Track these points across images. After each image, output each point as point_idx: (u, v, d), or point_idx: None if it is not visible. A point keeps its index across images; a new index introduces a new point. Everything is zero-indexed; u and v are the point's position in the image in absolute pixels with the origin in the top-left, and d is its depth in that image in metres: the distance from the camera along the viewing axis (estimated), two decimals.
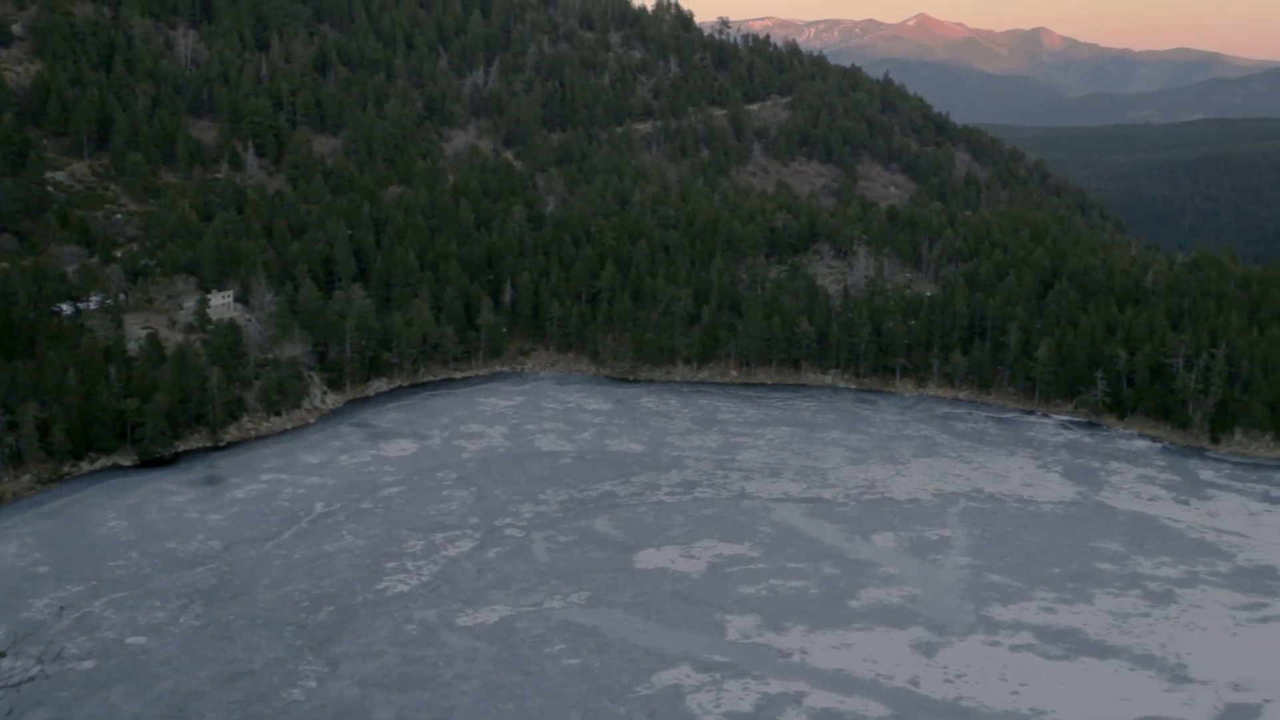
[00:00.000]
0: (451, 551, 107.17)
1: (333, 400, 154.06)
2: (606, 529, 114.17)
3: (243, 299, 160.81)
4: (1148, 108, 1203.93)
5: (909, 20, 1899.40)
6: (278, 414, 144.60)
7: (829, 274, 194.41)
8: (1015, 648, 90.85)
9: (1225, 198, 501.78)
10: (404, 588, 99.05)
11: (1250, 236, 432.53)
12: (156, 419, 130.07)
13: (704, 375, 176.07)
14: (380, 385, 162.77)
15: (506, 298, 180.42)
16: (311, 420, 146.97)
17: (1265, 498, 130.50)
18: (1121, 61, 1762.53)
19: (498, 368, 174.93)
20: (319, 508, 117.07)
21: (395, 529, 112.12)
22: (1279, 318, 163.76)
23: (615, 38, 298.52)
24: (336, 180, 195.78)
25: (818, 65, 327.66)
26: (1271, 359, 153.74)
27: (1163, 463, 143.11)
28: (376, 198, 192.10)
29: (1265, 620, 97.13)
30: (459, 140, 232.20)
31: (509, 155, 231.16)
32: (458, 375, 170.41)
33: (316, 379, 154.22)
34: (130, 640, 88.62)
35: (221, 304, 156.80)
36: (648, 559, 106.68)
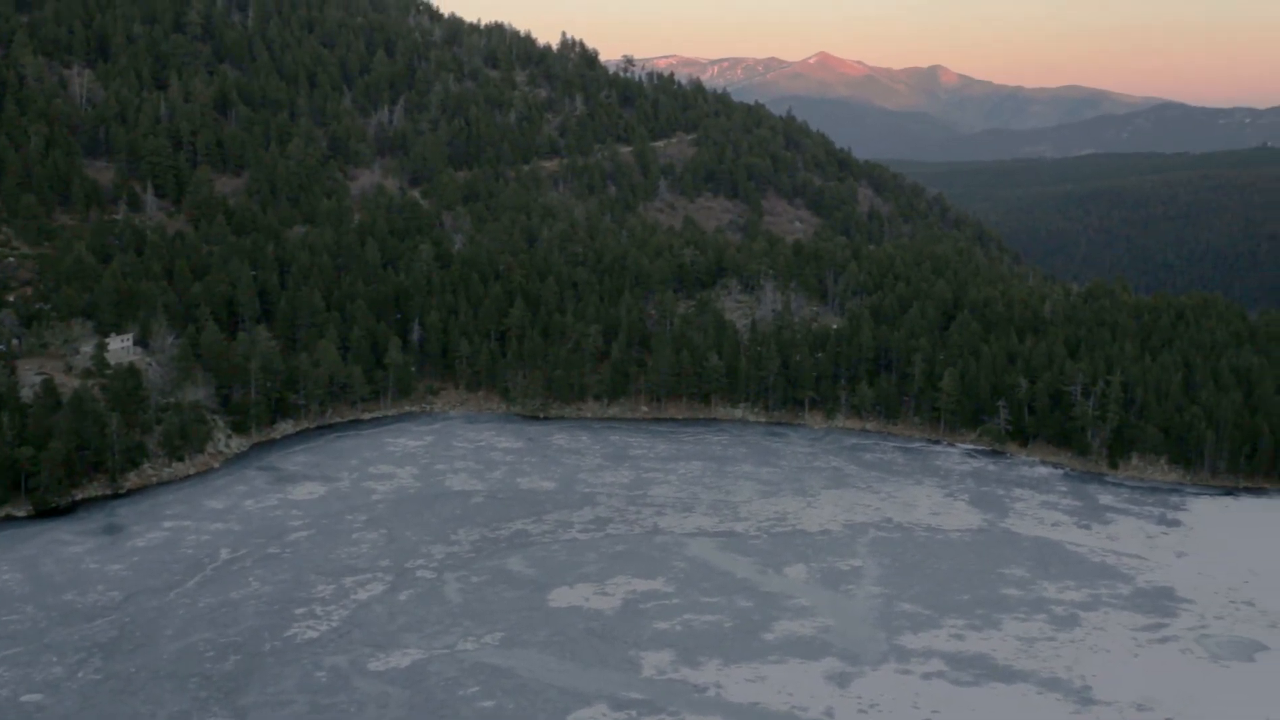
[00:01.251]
0: (362, 595, 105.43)
1: (238, 444, 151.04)
2: (519, 568, 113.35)
3: (142, 342, 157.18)
4: (1041, 143, 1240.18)
5: (810, 58, 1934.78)
6: (180, 459, 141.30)
7: (737, 308, 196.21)
8: (927, 675, 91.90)
9: (1117, 230, 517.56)
10: (313, 634, 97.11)
11: (1141, 267, 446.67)
12: (53, 467, 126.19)
13: (615, 411, 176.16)
14: (287, 427, 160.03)
15: (415, 337, 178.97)
16: (216, 465, 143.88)
17: (1162, 520, 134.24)
18: (1015, 98, 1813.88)
19: (407, 407, 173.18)
20: (224, 554, 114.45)
21: (303, 574, 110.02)
22: (1170, 345, 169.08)
23: (521, 76, 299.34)
24: (239, 220, 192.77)
25: (722, 102, 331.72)
26: (1164, 385, 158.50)
27: (1064, 488, 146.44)
28: (281, 237, 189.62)
29: (1165, 640, 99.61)
30: (365, 179, 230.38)
31: (415, 194, 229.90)
32: (366, 416, 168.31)
33: (220, 422, 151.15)
34: (25, 698, 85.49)
35: (120, 348, 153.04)
36: (561, 597, 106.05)
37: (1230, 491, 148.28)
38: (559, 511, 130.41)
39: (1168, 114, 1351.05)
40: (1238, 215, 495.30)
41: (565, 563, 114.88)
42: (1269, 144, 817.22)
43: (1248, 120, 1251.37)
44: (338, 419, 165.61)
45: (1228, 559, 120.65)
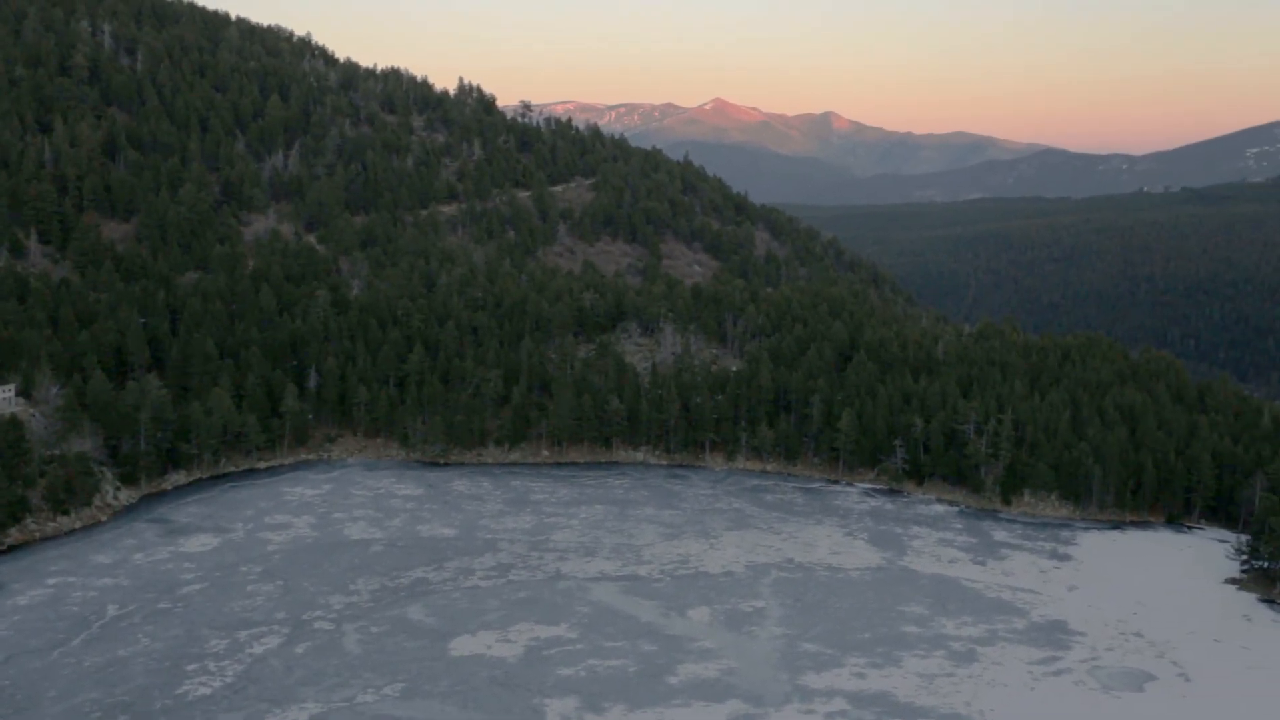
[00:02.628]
0: (257, 649, 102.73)
1: (127, 496, 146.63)
2: (420, 617, 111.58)
3: (25, 393, 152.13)
4: (931, 187, 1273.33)
5: (706, 104, 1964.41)
6: (65, 513, 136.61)
7: (637, 351, 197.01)
8: (830, 715, 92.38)
9: (1004, 271, 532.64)
10: (206, 690, 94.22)
11: (1028, 307, 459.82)
12: None
13: (516, 456, 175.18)
14: (179, 478, 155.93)
15: (311, 384, 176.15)
16: (103, 518, 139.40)
17: (1054, 555, 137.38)
18: (905, 144, 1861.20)
19: (304, 456, 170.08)
20: (112, 610, 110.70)
21: (196, 628, 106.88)
22: (1058, 384, 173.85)
23: (418, 121, 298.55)
24: (128, 267, 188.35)
25: (619, 147, 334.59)
26: (1052, 423, 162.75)
27: (960, 525, 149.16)
28: (172, 284, 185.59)
29: (1059, 673, 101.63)
30: (259, 224, 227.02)
31: (311, 239, 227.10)
32: (261, 465, 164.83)
33: (108, 474, 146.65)
34: None
35: (1, 399, 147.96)
36: (463, 645, 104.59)
37: (1117, 525, 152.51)
38: (460, 559, 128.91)
39: (1050, 160, 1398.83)
40: (1117, 257, 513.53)
41: (467, 610, 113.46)
42: (1145, 189, 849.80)
43: (1125, 166, 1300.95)
44: (232, 468, 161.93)
45: (1116, 592, 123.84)
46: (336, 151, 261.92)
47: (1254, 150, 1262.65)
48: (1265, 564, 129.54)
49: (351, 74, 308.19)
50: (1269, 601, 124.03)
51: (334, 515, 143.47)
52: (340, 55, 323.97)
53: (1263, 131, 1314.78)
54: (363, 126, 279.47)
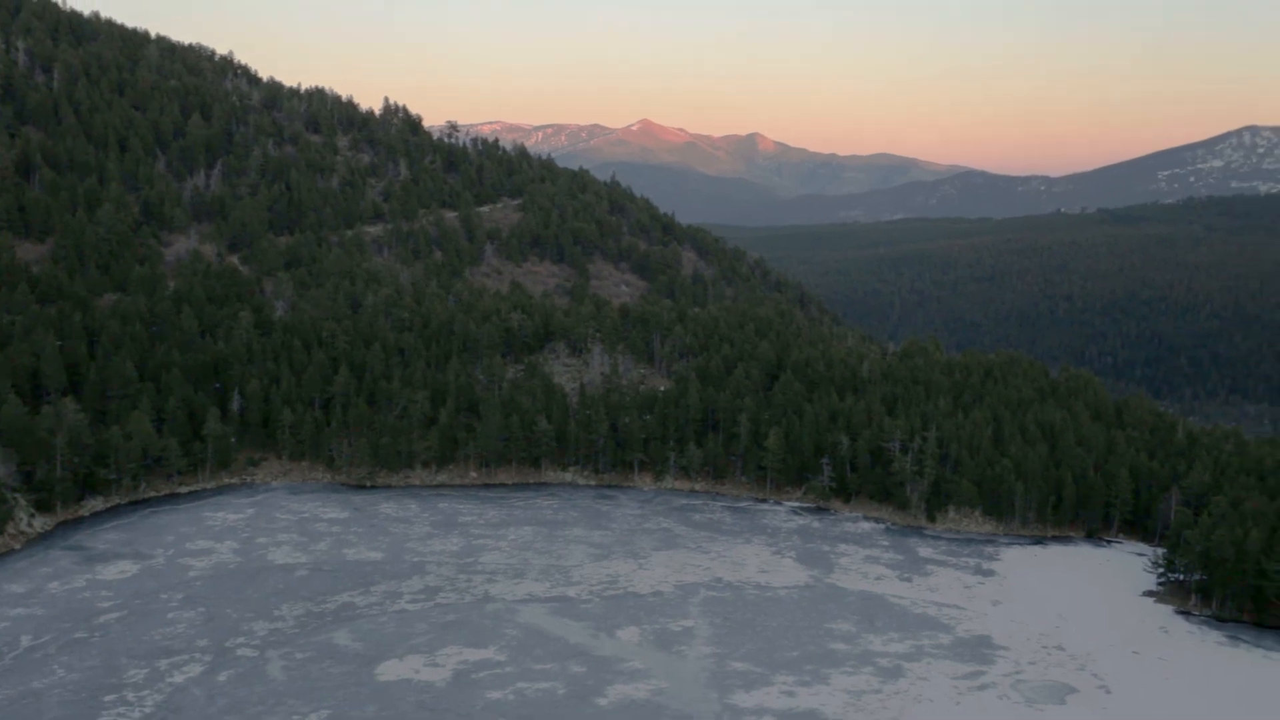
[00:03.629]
0: (178, 678, 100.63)
1: (41, 523, 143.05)
2: (346, 642, 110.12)
3: None
4: (855, 208, 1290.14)
5: (632, 125, 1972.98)
6: None
7: (565, 372, 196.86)
8: None
9: (928, 291, 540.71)
10: None
11: (951, 326, 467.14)
12: None
13: (443, 478, 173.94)
14: (96, 504, 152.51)
15: (235, 406, 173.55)
16: (17, 546, 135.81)
17: (978, 570, 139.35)
18: (830, 165, 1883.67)
19: (226, 480, 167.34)
20: (25, 641, 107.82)
21: (114, 658, 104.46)
22: (980, 401, 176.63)
23: (343, 141, 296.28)
24: (44, 289, 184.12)
25: (546, 168, 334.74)
26: (976, 440, 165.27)
27: (886, 543, 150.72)
28: (89, 306, 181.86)
29: (983, 687, 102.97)
30: (180, 245, 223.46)
31: (234, 260, 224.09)
32: (183, 490, 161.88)
33: (22, 501, 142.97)
34: None
35: None
36: (390, 670, 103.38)
37: (1039, 540, 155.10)
38: (387, 582, 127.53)
39: (971, 181, 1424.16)
40: (1037, 277, 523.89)
41: (394, 634, 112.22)
42: (1063, 210, 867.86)
43: (1043, 188, 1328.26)
44: (152, 494, 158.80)
45: (1039, 606, 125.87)
46: (260, 171, 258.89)
47: (1165, 173, 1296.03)
48: (1180, 576, 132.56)
49: (275, 93, 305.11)
50: (1184, 613, 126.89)
51: (258, 540, 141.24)
52: (263, 74, 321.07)
53: (1173, 154, 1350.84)
54: (287, 146, 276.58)
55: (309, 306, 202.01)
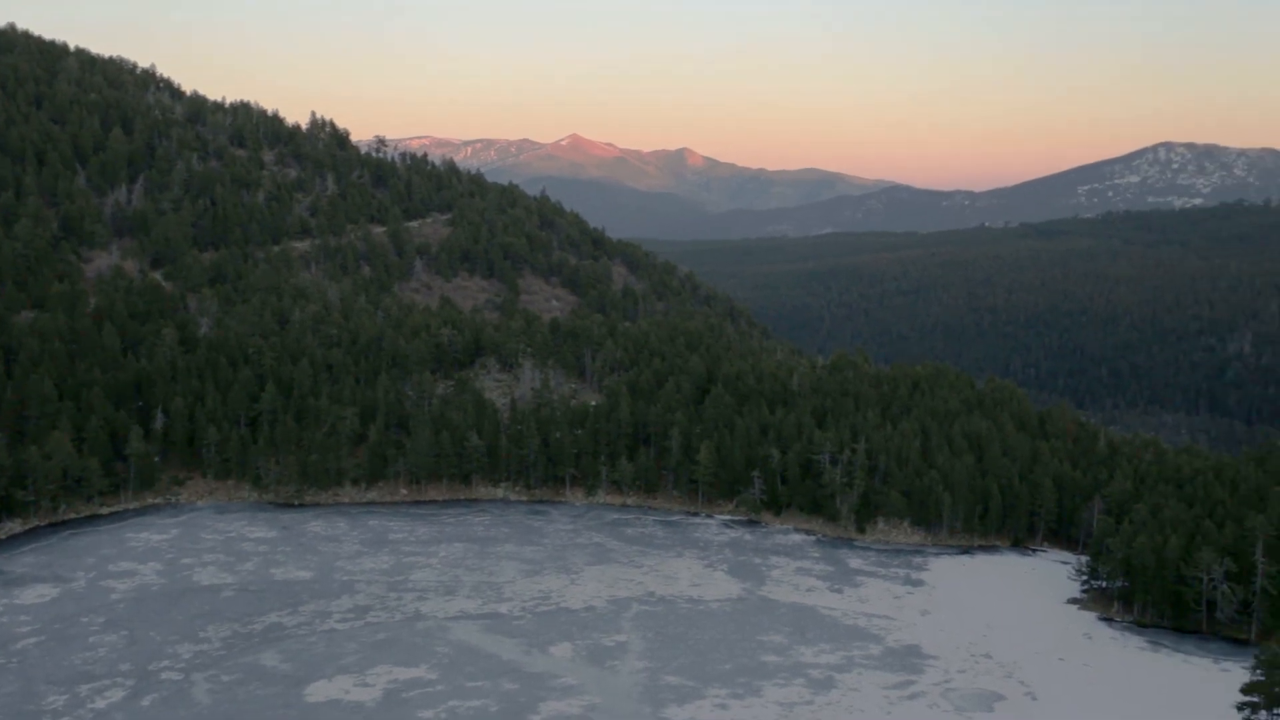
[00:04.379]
0: (100, 704, 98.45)
1: None
2: (274, 663, 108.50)
3: None
4: (784, 222, 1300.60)
5: (562, 140, 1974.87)
6: None
7: (496, 387, 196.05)
8: None
9: (856, 304, 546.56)
10: None
11: (879, 339, 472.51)
12: None
13: (373, 495, 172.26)
14: (14, 527, 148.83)
15: (158, 425, 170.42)
16: None
17: (907, 581, 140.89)
18: (758, 180, 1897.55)
19: (150, 500, 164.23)
20: None
21: (33, 684, 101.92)
22: (909, 413, 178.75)
23: (269, 155, 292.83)
24: None
25: (476, 183, 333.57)
26: (904, 451, 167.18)
27: (817, 554, 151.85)
28: (6, 324, 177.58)
29: (914, 697, 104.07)
30: (101, 261, 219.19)
31: (157, 276, 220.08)
32: (104, 511, 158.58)
33: None
34: None
35: None
36: (319, 691, 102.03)
37: (966, 550, 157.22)
38: (316, 601, 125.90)
39: (897, 196, 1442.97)
40: (962, 290, 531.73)
41: (323, 655, 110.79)
42: (986, 224, 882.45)
43: (967, 203, 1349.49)
44: (73, 515, 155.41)
45: (967, 615, 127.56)
46: (183, 186, 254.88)
47: (1085, 188, 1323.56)
48: (1103, 584, 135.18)
49: (198, 107, 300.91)
50: (1107, 620, 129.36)
51: (182, 561, 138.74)
52: (186, 88, 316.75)
53: (1092, 170, 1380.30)
54: (211, 161, 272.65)
55: (234, 323, 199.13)
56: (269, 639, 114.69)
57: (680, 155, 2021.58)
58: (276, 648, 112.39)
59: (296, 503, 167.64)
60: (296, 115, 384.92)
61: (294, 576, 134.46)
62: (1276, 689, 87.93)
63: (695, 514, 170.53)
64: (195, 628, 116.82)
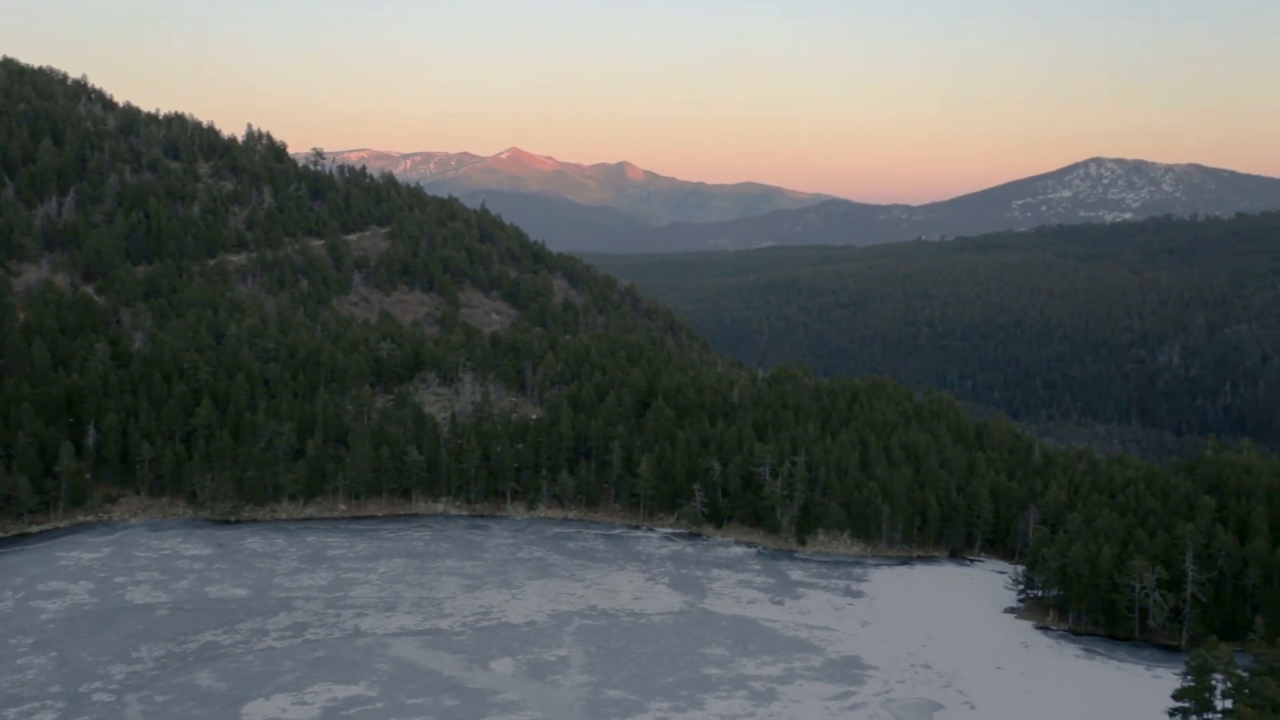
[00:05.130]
0: None
1: None
2: (210, 682, 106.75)
3: None
4: (724, 236, 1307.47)
5: (502, 153, 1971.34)
6: None
7: (436, 401, 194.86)
8: None
9: (795, 317, 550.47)
10: None
11: (818, 352, 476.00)
12: None
13: (311, 511, 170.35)
14: None
15: (90, 441, 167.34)
16: None
17: (847, 592, 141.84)
18: (698, 194, 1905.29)
19: (81, 518, 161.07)
20: None
21: None
22: (848, 425, 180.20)
23: (204, 168, 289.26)
24: None
25: (415, 196, 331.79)
26: (844, 463, 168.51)
27: (758, 566, 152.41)
28: None
29: (854, 707, 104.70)
30: (30, 275, 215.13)
31: (89, 290, 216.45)
32: (34, 529, 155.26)
33: None
34: None
35: None
36: (256, 710, 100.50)
37: (905, 561, 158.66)
38: (253, 620, 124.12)
39: (835, 210, 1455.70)
40: (899, 303, 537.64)
41: (260, 673, 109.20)
42: (923, 238, 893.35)
43: (904, 217, 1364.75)
44: (1, 534, 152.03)
45: (906, 625, 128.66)
46: (116, 199, 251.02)
47: (1019, 202, 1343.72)
48: (1039, 593, 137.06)
49: (132, 119, 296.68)
50: (1044, 628, 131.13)
51: (115, 580, 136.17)
52: (119, 99, 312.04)
53: (1026, 185, 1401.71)
54: (145, 173, 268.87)
55: (169, 337, 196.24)
56: (204, 658, 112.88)
57: (620, 169, 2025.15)
58: (212, 667, 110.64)
59: (233, 519, 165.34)
60: (233, 128, 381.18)
61: (230, 594, 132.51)
62: (1206, 694, 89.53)
63: (637, 527, 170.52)
64: (128, 648, 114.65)
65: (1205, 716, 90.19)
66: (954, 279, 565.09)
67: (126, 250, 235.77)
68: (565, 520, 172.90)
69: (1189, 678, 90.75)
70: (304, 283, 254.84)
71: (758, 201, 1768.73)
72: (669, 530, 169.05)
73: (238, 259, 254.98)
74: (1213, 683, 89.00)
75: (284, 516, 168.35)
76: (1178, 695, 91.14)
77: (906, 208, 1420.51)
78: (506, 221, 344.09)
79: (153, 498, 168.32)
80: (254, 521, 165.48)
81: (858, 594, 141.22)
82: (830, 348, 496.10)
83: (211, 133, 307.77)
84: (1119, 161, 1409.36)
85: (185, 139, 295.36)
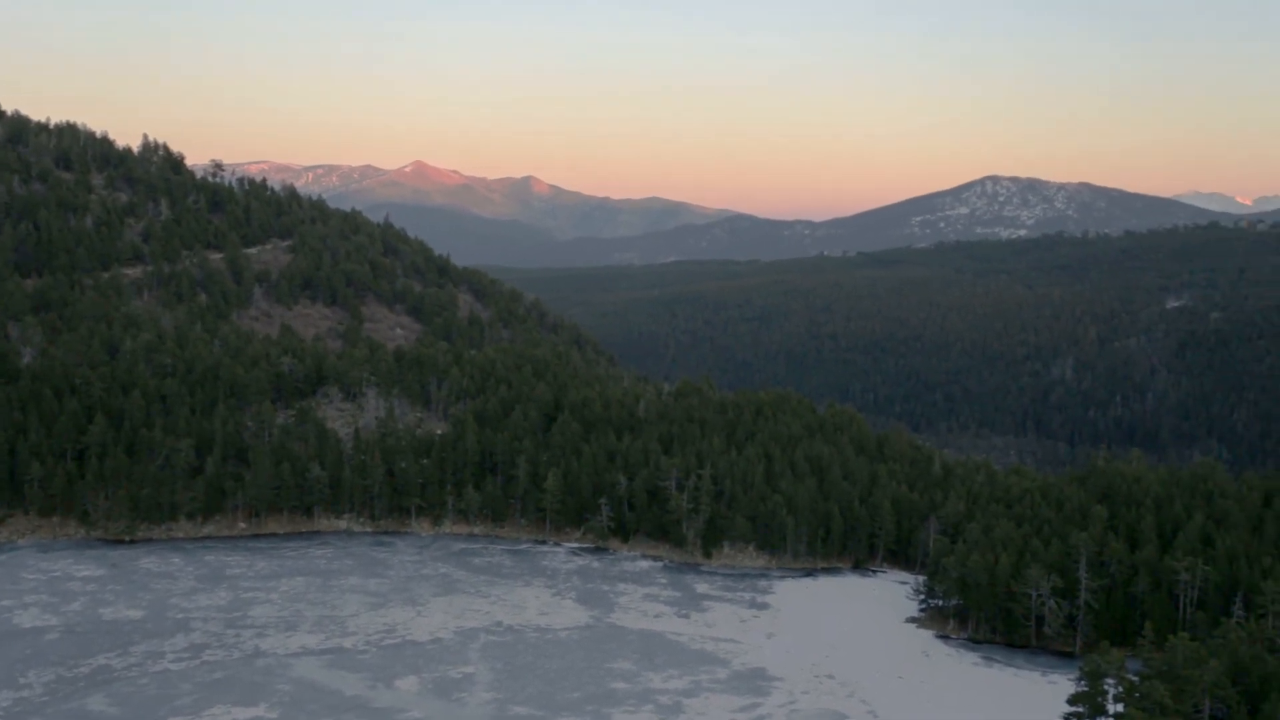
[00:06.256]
0: None
1: None
2: (102, 707, 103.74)
3: None
4: (630, 250, 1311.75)
5: (406, 167, 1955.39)
6: None
7: (339, 417, 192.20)
8: None
9: (701, 331, 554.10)
10: None
11: (723, 365, 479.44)
12: None
13: (210, 530, 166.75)
14: None
15: None
16: None
17: (752, 604, 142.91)
18: (604, 208, 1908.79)
19: None
20: None
21: None
22: (753, 438, 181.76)
23: (98, 179, 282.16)
24: None
25: (318, 209, 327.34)
26: (749, 476, 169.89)
27: (664, 580, 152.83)
28: None
29: (760, 719, 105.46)
30: None
31: None
32: None
33: None
34: None
35: None
36: None
37: (810, 572, 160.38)
38: (148, 642, 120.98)
39: (739, 225, 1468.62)
40: (803, 317, 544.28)
41: (155, 697, 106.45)
42: (825, 253, 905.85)
43: (807, 232, 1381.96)
44: None
45: (811, 636, 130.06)
46: (4, 210, 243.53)
47: (918, 219, 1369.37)
48: (939, 602, 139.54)
49: (21, 128, 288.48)
50: (944, 637, 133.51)
51: (1, 603, 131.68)
52: (7, 108, 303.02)
53: (925, 202, 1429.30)
54: (34, 184, 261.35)
55: (60, 352, 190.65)
56: (97, 682, 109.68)
57: (526, 183, 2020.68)
58: (105, 691, 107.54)
59: (127, 539, 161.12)
60: (128, 138, 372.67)
61: (124, 616, 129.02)
62: (1099, 698, 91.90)
63: (543, 542, 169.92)
64: (15, 673, 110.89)
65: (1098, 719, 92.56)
66: (856, 294, 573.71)
67: (15, 263, 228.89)
68: (471, 536, 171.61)
69: (1082, 683, 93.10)
70: (203, 297, 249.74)
71: (663, 216, 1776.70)
72: (575, 545, 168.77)
73: (133, 272, 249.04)
74: (1105, 687, 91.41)
75: (181, 536, 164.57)
76: (1072, 700, 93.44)
77: (810, 224, 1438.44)
78: (411, 235, 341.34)
79: (43, 518, 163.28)
80: (150, 541, 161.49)
81: (763, 606, 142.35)
82: (735, 362, 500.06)
83: (106, 143, 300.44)
84: (1014, 179, 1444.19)
85: (78, 149, 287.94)
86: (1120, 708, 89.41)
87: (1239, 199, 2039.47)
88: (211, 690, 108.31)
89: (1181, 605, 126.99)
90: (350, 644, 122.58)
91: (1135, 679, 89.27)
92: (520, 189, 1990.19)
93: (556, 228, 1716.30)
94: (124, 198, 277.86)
